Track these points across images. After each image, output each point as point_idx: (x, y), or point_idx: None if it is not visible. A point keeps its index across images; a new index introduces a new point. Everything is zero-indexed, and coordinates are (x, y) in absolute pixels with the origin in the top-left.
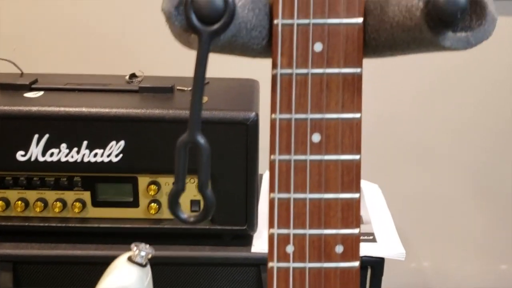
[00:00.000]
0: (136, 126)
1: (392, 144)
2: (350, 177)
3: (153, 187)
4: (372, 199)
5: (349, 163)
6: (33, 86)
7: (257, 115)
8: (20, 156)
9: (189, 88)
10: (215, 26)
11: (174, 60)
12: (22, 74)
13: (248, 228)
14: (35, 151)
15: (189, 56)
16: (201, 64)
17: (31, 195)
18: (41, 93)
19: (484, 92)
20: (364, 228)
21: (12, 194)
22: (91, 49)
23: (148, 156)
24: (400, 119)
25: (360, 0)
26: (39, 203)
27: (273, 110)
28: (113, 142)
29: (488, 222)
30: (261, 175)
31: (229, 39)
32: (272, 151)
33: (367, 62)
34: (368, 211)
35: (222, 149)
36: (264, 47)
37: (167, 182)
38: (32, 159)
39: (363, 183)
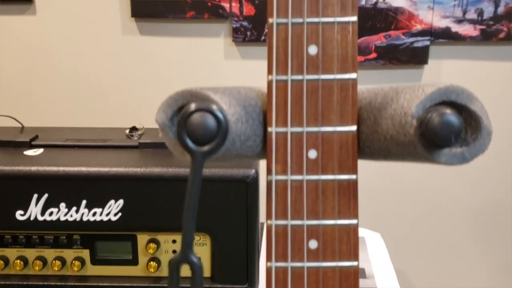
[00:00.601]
0: (135, 185)
1: (393, 191)
2: (348, 283)
3: (152, 245)
4: (375, 251)
5: (347, 270)
6: (33, 143)
7: (257, 172)
8: (19, 215)
9: None
10: (208, 147)
11: None
12: (23, 128)
13: (249, 287)
14: (34, 210)
15: None
16: (194, 183)
17: (30, 253)
18: (41, 150)
19: None
20: (367, 283)
21: (11, 253)
22: (93, 99)
23: (147, 214)
24: (401, 166)
25: (354, 108)
26: (38, 261)
27: (268, 216)
28: (112, 201)
29: (493, 268)
30: (262, 223)
31: (223, 153)
32: (268, 258)
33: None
34: (371, 264)
35: (222, 207)
36: (259, 153)
37: (166, 240)
38: (32, 218)
39: (365, 232)
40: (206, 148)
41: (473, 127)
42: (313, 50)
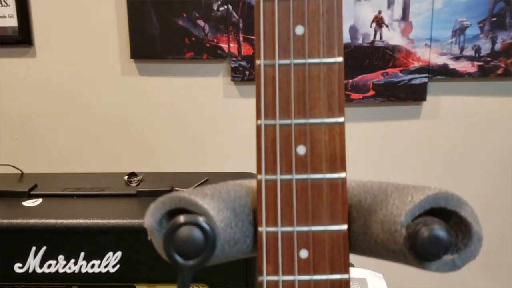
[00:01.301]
0: (133, 236)
1: None
2: None
3: None
4: None
5: None
6: (32, 192)
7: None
8: (17, 268)
9: (188, 190)
10: (196, 261)
11: (174, 155)
12: (22, 175)
13: None
14: (33, 263)
15: (189, 152)
16: None
17: None
18: (40, 200)
19: (486, 173)
20: None
21: None
22: (93, 139)
23: (145, 266)
24: None
25: (344, 207)
26: None
27: None
28: (110, 253)
29: None
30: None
31: (211, 261)
32: None
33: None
34: None
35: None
36: (250, 251)
37: None
38: (30, 270)
39: (367, 273)
40: (193, 262)
41: (464, 232)
42: (301, 150)
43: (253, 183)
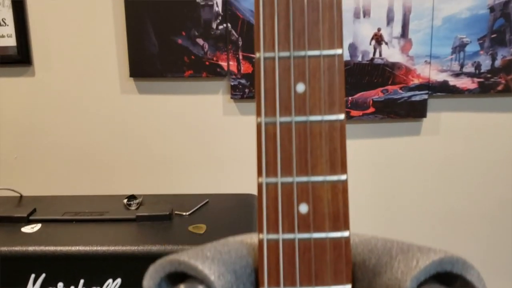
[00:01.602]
0: (133, 263)
1: None
2: None
3: None
4: None
5: None
6: (31, 217)
7: None
8: None
9: (188, 213)
10: None
11: (174, 173)
12: (21, 198)
13: None
14: None
15: (189, 170)
16: None
17: None
18: (39, 226)
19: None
20: None
21: None
22: (92, 158)
23: None
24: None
25: (347, 267)
26: None
27: None
28: (110, 280)
29: None
30: None
31: None
32: None
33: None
34: None
35: None
36: None
37: None
38: None
39: None
40: None
41: None
42: (304, 208)
43: (254, 239)
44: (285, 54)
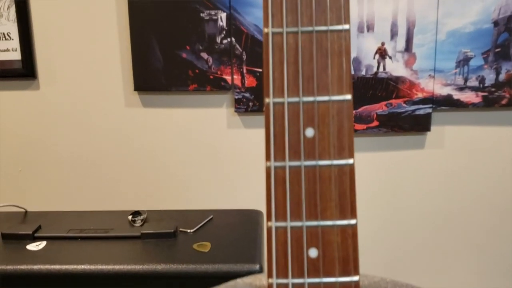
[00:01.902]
0: (138, 282)
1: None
2: None
3: None
4: None
5: None
6: (36, 234)
7: (261, 267)
8: None
9: (192, 230)
10: None
11: (179, 187)
12: (26, 214)
13: None
14: None
15: (194, 183)
16: None
17: None
18: (44, 243)
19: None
20: None
21: None
22: (96, 172)
23: None
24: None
25: None
26: None
27: None
28: None
29: None
30: None
31: None
32: None
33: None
34: None
35: None
36: None
37: None
38: None
39: None
40: None
41: None
42: (313, 253)
43: (263, 281)
44: (294, 99)
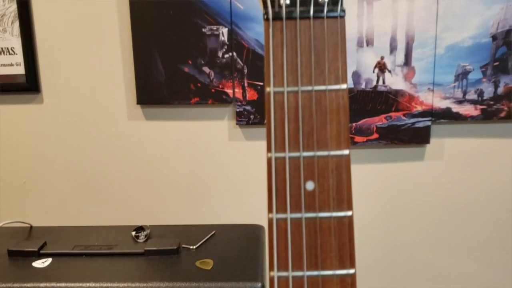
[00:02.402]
0: None
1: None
2: None
3: None
4: None
5: None
6: (42, 251)
7: (263, 285)
8: None
9: (195, 247)
10: None
11: (181, 199)
12: (31, 229)
13: None
14: None
15: (196, 196)
16: None
17: None
18: (49, 260)
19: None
20: None
21: None
22: (100, 185)
23: None
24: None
25: None
26: None
27: None
28: None
29: None
30: None
31: None
32: None
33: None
34: None
35: None
36: None
37: None
38: None
39: None
40: None
41: None
42: None
43: None
44: (295, 154)
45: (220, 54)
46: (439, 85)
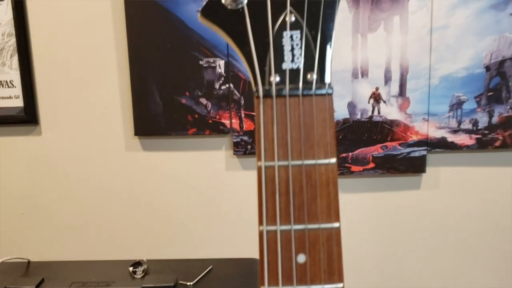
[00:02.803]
0: None
1: None
2: None
3: None
4: None
5: None
6: None
7: None
8: None
9: (192, 283)
10: None
11: (179, 231)
12: (28, 264)
13: None
14: None
15: (193, 228)
16: None
17: None
18: None
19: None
20: None
21: None
22: (97, 217)
23: None
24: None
25: None
26: None
27: None
28: None
29: None
30: None
31: None
32: None
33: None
34: None
35: None
36: None
37: None
38: None
39: None
40: None
41: None
42: None
43: None
44: (286, 227)
45: (217, 86)
46: (434, 115)
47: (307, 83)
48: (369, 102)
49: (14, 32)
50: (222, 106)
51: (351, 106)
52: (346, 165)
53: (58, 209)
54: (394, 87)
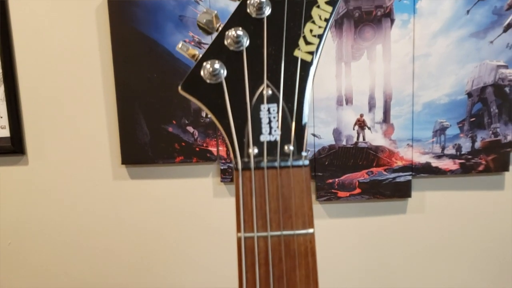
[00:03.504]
0: None
1: None
2: None
3: None
4: None
5: None
6: None
7: None
8: None
9: None
10: None
11: (167, 261)
12: None
13: None
14: None
15: (183, 258)
16: None
17: None
18: None
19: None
20: None
21: None
22: (85, 247)
23: None
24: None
25: None
26: None
27: None
28: None
29: None
30: None
31: None
32: None
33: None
34: None
35: None
36: None
37: None
38: None
39: None
40: None
41: None
42: None
43: None
44: None
45: (203, 114)
46: (418, 141)
47: (285, 155)
48: (354, 129)
49: (0, 63)
50: (209, 134)
51: (337, 132)
52: (333, 190)
53: (45, 240)
54: (378, 114)
